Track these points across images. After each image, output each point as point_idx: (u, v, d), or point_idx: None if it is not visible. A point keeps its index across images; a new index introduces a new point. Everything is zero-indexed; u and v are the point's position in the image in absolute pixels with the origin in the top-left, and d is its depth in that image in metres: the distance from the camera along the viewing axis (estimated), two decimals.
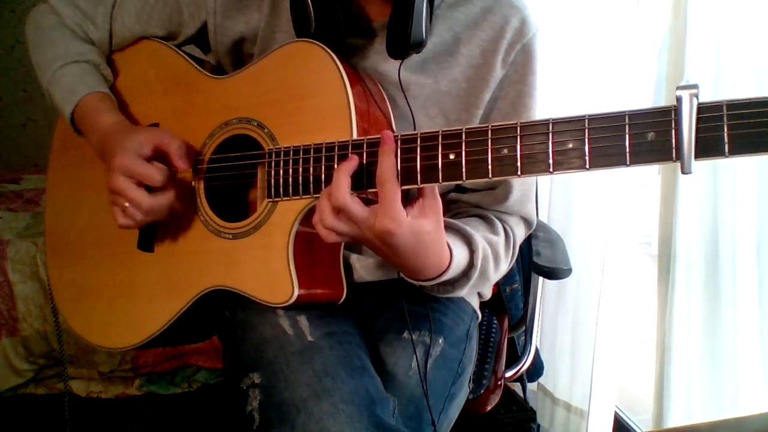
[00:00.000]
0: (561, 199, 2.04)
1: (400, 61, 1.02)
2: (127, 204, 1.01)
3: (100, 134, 1.09)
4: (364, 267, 1.17)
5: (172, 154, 1.03)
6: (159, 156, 1.03)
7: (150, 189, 1.01)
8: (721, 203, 1.42)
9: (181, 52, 1.16)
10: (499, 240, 1.10)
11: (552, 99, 2.01)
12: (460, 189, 1.19)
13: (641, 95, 1.67)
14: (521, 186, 1.14)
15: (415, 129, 1.04)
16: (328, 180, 0.93)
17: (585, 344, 1.93)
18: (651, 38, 1.68)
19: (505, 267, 1.13)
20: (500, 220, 1.14)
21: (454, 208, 1.19)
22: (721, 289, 1.45)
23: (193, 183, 1.09)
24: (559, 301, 2.07)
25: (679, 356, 1.51)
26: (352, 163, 0.89)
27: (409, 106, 1.04)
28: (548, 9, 2.02)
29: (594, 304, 1.87)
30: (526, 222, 1.18)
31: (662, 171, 1.51)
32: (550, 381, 2.13)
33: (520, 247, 1.20)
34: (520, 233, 1.17)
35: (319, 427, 0.84)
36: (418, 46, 0.99)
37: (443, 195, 1.18)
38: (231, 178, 1.06)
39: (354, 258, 1.16)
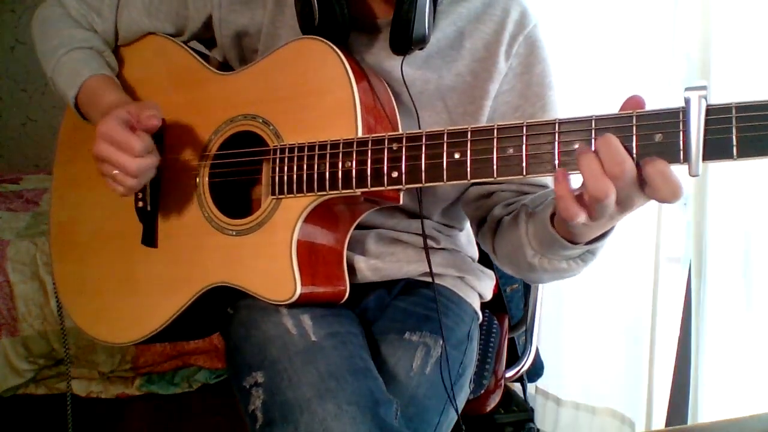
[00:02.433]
0: None
1: (402, 58, 1.03)
2: (115, 171, 0.99)
3: (103, 112, 1.08)
4: (366, 268, 1.17)
5: (139, 114, 1.00)
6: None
7: None
8: (751, 202, 1.42)
9: (187, 48, 1.16)
10: None
11: (574, 103, 2.02)
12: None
13: (666, 98, 1.66)
14: None
15: (419, 124, 1.04)
16: (333, 177, 0.93)
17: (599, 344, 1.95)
18: (677, 41, 1.68)
19: None
20: None
21: (493, 201, 1.13)
22: (753, 291, 1.45)
23: (198, 179, 1.09)
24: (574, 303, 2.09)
25: (710, 357, 1.51)
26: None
27: (413, 102, 1.04)
28: (573, 11, 2.03)
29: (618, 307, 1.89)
30: None
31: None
32: (552, 383, 2.15)
33: None
34: None
35: (323, 428, 0.84)
36: (421, 42, 0.99)
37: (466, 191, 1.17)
38: (235, 174, 1.06)
39: (357, 258, 1.16)
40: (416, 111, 1.05)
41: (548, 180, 1.07)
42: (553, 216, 0.90)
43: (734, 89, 1.40)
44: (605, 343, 2.01)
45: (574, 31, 2.04)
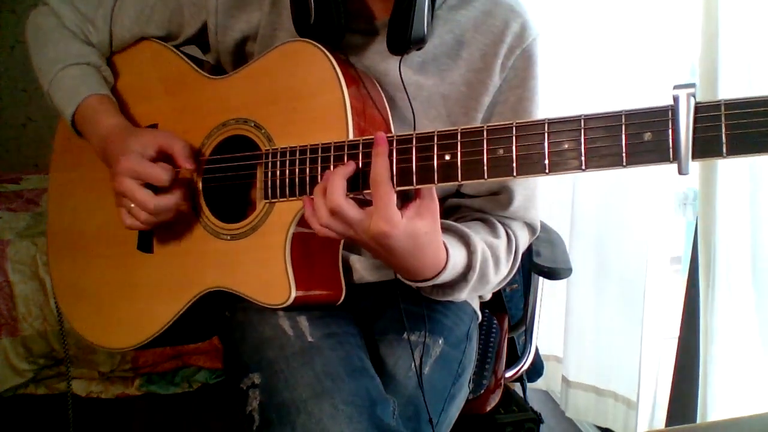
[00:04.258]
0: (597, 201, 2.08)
1: (400, 58, 1.02)
2: (132, 205, 1.01)
3: (102, 136, 1.09)
4: (363, 268, 1.16)
5: (177, 154, 1.03)
6: (163, 157, 1.04)
7: (156, 190, 1.02)
8: (761, 201, 1.41)
9: (180, 53, 1.16)
10: (500, 243, 1.09)
11: (580, 104, 2.03)
12: (461, 194, 1.18)
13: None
14: (524, 191, 1.13)
15: (415, 127, 1.03)
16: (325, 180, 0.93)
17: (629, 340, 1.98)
18: (683, 43, 1.67)
19: (506, 271, 1.12)
20: (502, 224, 1.13)
21: (456, 213, 1.18)
22: (765, 286, 1.44)
23: (192, 184, 1.09)
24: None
25: (722, 355, 1.51)
26: (349, 168, 0.89)
27: (410, 101, 1.04)
28: (579, 12, 2.03)
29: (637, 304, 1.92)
30: (530, 227, 1.17)
31: (701, 168, 1.50)
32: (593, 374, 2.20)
33: None
34: (523, 238, 1.15)
35: (319, 428, 0.84)
36: (419, 42, 0.98)
37: (444, 200, 1.18)
38: (229, 179, 1.06)
39: (354, 258, 1.16)
40: (413, 110, 1.04)
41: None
42: None
43: (742, 88, 1.38)
44: (613, 337, 2.06)
45: (579, 39, 2.05)
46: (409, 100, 1.04)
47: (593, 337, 2.15)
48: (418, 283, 1.00)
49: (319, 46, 0.97)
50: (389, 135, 0.88)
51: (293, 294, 0.96)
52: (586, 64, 2.01)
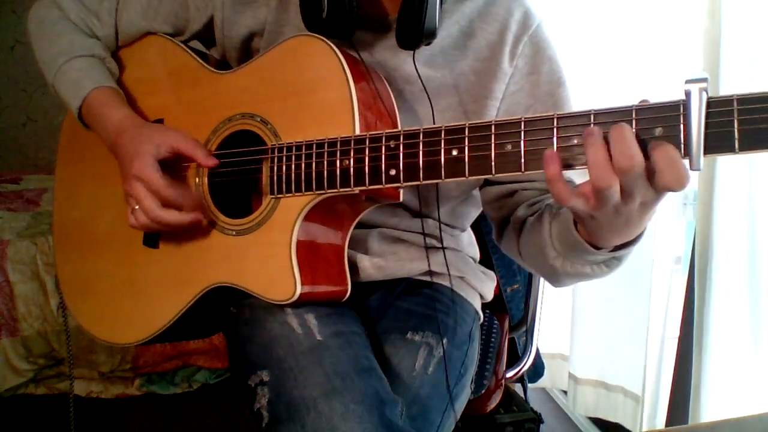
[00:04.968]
0: None
1: (412, 52, 1.02)
2: (137, 207, 1.01)
3: (111, 129, 1.09)
4: (369, 266, 1.16)
5: (195, 156, 1.03)
6: (176, 156, 1.04)
7: None
8: (759, 199, 1.42)
9: (186, 48, 1.16)
10: None
11: (581, 104, 2.03)
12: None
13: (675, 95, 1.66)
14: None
15: (433, 117, 1.04)
16: (331, 176, 0.93)
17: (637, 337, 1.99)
18: (686, 40, 1.68)
19: None
20: None
21: (514, 197, 1.13)
22: (760, 289, 1.45)
23: (197, 179, 1.09)
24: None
25: (715, 355, 1.51)
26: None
27: (428, 95, 1.04)
28: (581, 10, 2.03)
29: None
30: None
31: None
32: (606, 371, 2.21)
33: None
34: None
35: (330, 426, 0.84)
36: (431, 36, 0.99)
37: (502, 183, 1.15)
38: (234, 174, 1.06)
39: (359, 257, 1.16)
40: (431, 104, 1.04)
41: (575, 177, 1.02)
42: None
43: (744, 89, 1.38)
44: (620, 333, 2.07)
45: (581, 31, 2.05)
46: (427, 93, 1.04)
47: (600, 334, 2.15)
48: (621, 249, 0.90)
49: (326, 40, 0.97)
50: (395, 130, 0.88)
51: (298, 290, 0.95)
52: (593, 60, 2.01)
